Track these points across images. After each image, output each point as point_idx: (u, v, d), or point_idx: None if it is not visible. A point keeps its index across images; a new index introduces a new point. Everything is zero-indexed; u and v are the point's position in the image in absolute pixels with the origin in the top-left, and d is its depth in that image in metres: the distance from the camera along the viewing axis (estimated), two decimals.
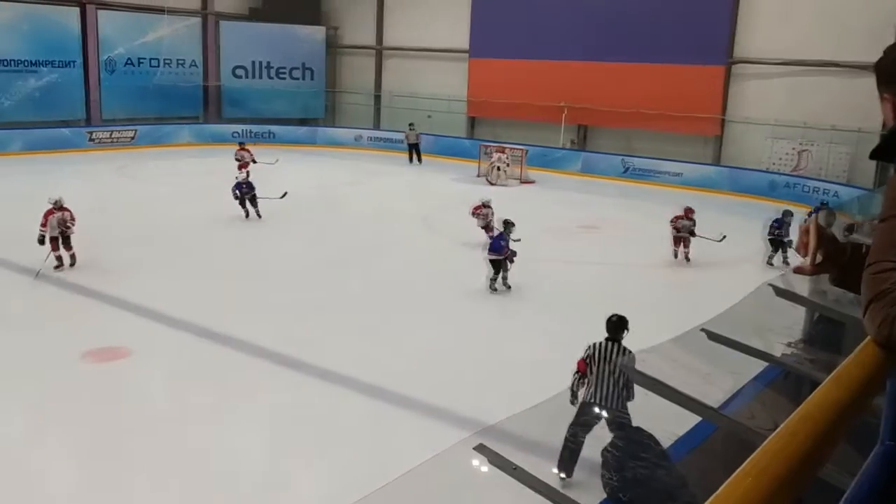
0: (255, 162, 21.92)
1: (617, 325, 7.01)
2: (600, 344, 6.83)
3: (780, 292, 5.04)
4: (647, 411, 5.04)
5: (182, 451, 7.36)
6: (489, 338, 10.64)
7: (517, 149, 25.41)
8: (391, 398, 8.44)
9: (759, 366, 5.26)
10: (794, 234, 14.35)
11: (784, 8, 23.37)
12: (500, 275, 12.59)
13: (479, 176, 24.70)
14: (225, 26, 32.02)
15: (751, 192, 23.07)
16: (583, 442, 5.91)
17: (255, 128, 31.04)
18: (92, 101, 29.04)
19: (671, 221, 14.68)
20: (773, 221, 14.93)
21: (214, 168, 24.69)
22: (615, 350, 6.79)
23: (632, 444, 5.94)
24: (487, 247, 12.85)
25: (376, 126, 32.36)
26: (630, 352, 6.54)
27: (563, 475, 5.80)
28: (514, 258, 12.53)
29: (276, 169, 25.05)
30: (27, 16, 27.08)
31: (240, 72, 32.25)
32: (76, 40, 28.40)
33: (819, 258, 1.56)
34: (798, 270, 1.60)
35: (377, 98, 32.96)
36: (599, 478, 5.00)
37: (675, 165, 24.90)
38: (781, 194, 22.43)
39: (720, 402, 5.04)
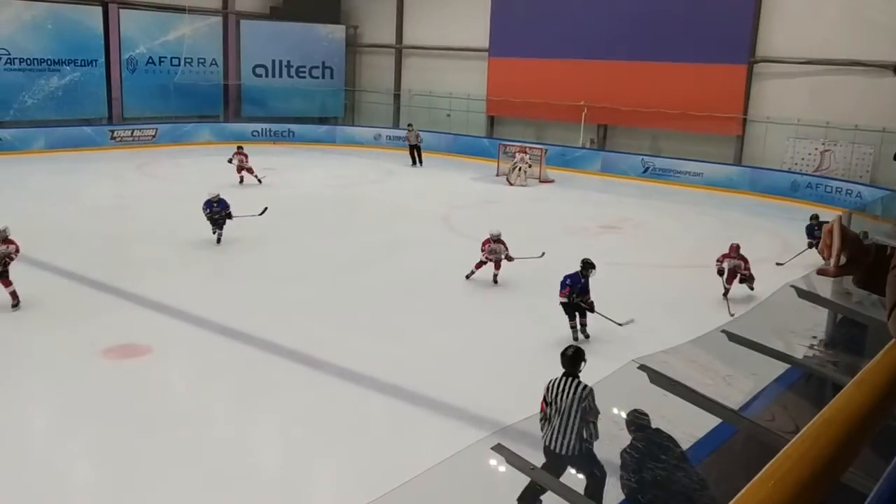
0: (250, 171, 21.64)
1: (573, 359, 6.38)
2: (557, 381, 6.22)
3: (803, 294, 5.00)
4: (667, 413, 5.01)
5: (201, 449, 7.40)
6: (509, 337, 10.62)
7: (537, 148, 25.35)
8: (409, 397, 8.45)
9: (780, 368, 5.22)
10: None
11: (807, 6, 23.15)
12: (578, 321, 10.68)
13: (498, 175, 24.67)
14: (245, 25, 32.17)
15: (772, 192, 22.88)
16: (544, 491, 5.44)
17: (274, 126, 31.19)
18: (114, 99, 29.29)
19: (718, 261, 12.68)
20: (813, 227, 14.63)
21: (233, 167, 24.83)
22: (572, 386, 6.16)
23: (651, 445, 5.92)
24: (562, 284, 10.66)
25: (395, 125, 32.41)
26: (587, 387, 6.05)
27: None
28: (591, 305, 10.59)
29: (295, 167, 25.21)
30: (51, 15, 27.35)
31: (260, 70, 32.39)
32: (98, 39, 28.63)
33: (843, 260, 1.54)
34: (821, 272, 1.58)
35: (396, 97, 33.01)
36: (618, 479, 4.97)
37: (696, 165, 24.74)
38: (803, 195, 22.23)
39: (740, 405, 5.01)
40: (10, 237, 11.10)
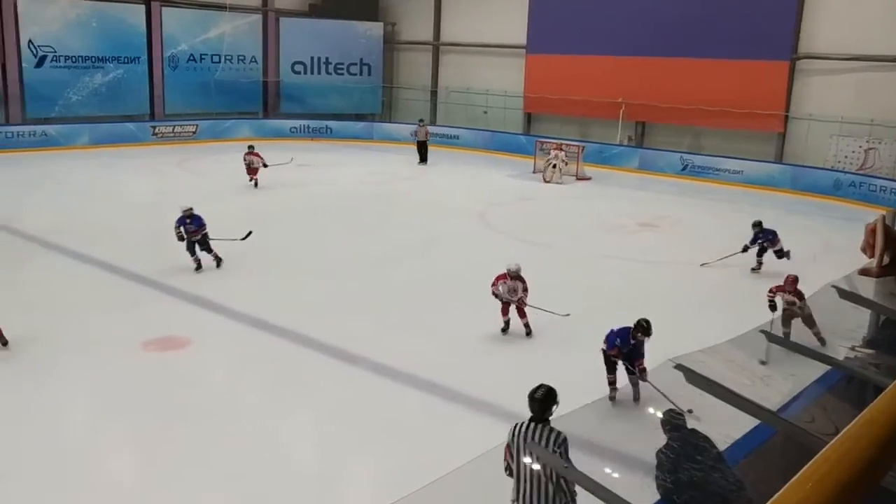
0: (265, 166, 20.47)
1: (543, 403, 5.29)
2: (522, 426, 5.20)
3: (844, 294, 4.90)
4: (703, 413, 4.97)
5: (236, 441, 7.49)
6: (544, 335, 10.58)
7: (573, 145, 25.21)
8: (444, 393, 8.47)
9: (820, 369, 5.13)
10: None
11: (851, 2, 22.69)
12: (634, 383, 8.59)
13: (534, 172, 24.58)
14: (285, 23, 32.44)
15: (814, 190, 22.48)
16: None
17: (312, 123, 31.43)
18: (156, 96, 29.75)
19: (770, 292, 10.32)
20: None
21: (273, 162, 25.06)
22: (540, 435, 5.11)
23: (687, 445, 5.86)
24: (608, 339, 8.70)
25: (432, 122, 32.46)
26: (560, 435, 5.08)
27: None
28: (643, 373, 8.35)
29: (332, 163, 25.34)
30: (96, 13, 27.86)
31: (298, 67, 32.64)
32: (141, 37, 29.11)
33: (886, 260, 1.52)
34: (864, 272, 1.56)
35: (433, 94, 33.03)
36: (653, 479, 4.93)
37: (736, 163, 24.40)
38: (846, 193, 21.83)
39: (779, 406, 4.94)
40: None
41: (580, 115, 28.18)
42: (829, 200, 21.54)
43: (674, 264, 14.47)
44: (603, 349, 8.63)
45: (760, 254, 13.94)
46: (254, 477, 6.87)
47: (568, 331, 10.66)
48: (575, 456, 5.99)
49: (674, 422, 6.00)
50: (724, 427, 4.75)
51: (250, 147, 20.99)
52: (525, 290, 10.29)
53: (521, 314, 10.35)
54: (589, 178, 24.28)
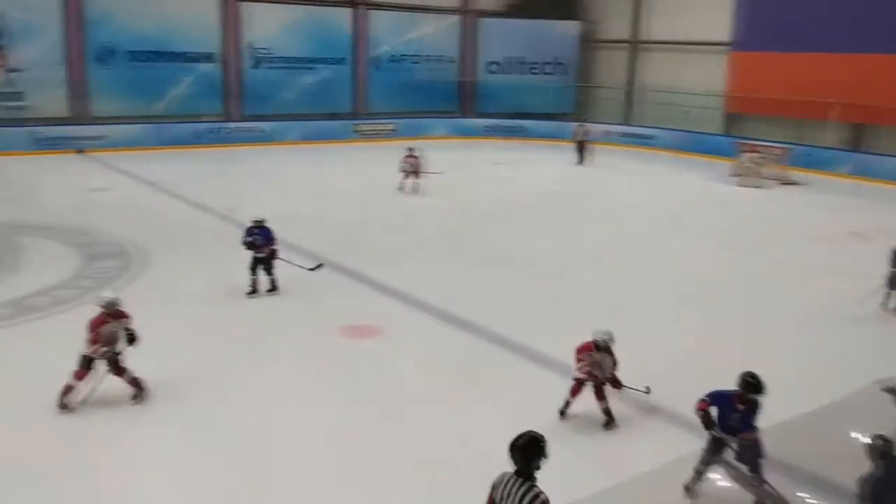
0: (416, 174, 19.67)
1: (524, 452, 4.44)
2: (507, 480, 4.50)
3: None
4: None
5: (420, 433, 7.71)
6: (745, 345, 10.08)
7: (777, 147, 23.79)
8: (631, 401, 8.28)
9: None
10: None
11: None
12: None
13: (734, 175, 23.44)
14: (483, 23, 33.03)
15: None
16: None
17: (506, 122, 31.80)
18: (359, 95, 31.35)
19: None
20: None
21: (468, 161, 25.64)
22: (519, 492, 4.36)
23: (894, 475, 5.40)
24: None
25: (627, 122, 31.80)
26: (539, 497, 4.33)
27: None
28: (755, 463, 6.40)
29: (525, 163, 25.47)
30: (307, 17, 29.76)
31: (494, 67, 33.12)
32: (348, 39, 30.79)
33: None
34: None
35: (629, 93, 32.35)
36: None
37: None
38: None
39: None
40: (121, 309, 8.08)
41: (788, 115, 26.52)
42: None
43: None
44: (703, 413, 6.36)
45: None
46: (434, 467, 7.06)
47: (768, 341, 10.09)
48: (770, 475, 5.67)
49: (881, 448, 5.53)
50: None
51: (410, 149, 20.19)
52: (615, 364, 8.00)
53: (600, 396, 7.93)
54: (796, 183, 22.81)
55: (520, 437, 4.52)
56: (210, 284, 12.09)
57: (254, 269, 11.48)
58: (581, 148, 25.93)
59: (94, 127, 25.75)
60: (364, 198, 18.56)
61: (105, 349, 7.88)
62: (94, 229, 15.07)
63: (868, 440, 5.68)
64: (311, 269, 12.14)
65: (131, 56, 26.60)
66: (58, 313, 10.60)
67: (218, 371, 8.97)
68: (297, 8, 29.51)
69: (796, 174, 23.29)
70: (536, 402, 8.21)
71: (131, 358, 8.11)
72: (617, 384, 8.00)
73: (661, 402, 8.20)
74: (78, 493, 6.51)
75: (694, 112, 29.07)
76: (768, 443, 6.43)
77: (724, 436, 6.33)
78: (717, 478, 6.64)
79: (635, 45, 32.04)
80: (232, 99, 28.75)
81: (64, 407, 7.79)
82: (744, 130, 28.01)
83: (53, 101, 25.52)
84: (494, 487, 4.53)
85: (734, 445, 6.31)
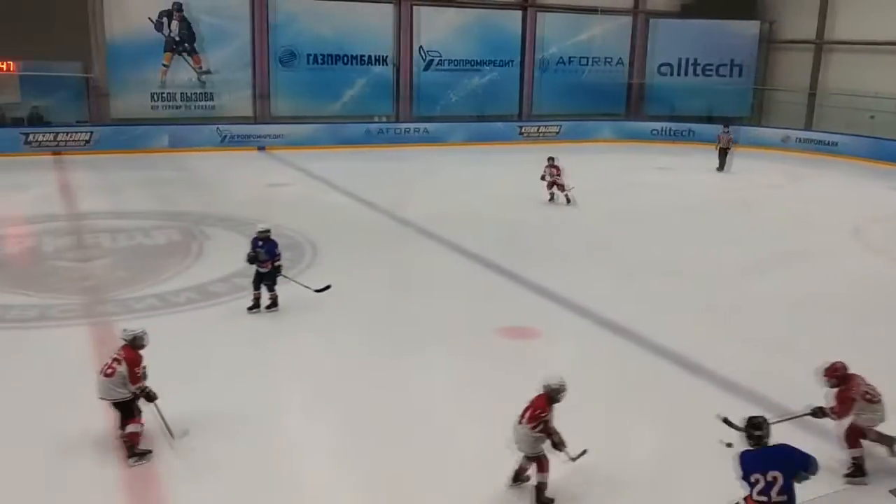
0: (561, 188, 18.47)
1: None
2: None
3: None
4: None
5: (573, 437, 7.66)
6: None
7: None
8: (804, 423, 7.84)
9: None
10: None
11: None
12: None
13: None
14: (655, 24, 32.24)
15: None
16: None
17: (674, 126, 30.86)
18: (525, 97, 31.49)
19: None
20: None
21: (630, 164, 25.13)
22: None
23: None
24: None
25: (808, 126, 30.03)
26: None
27: None
28: None
29: (694, 169, 24.62)
30: (478, 20, 30.24)
31: (665, 69, 32.24)
32: (517, 41, 30.97)
33: None
34: None
35: (811, 96, 30.52)
36: None
37: None
38: None
39: None
40: (144, 343, 7.11)
41: None
42: None
43: None
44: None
45: None
46: (586, 471, 6.99)
47: None
48: None
49: None
50: None
51: (550, 158, 19.05)
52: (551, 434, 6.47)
53: (541, 467, 6.48)
54: None
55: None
56: (374, 279, 12.57)
57: (257, 284, 10.71)
58: (723, 154, 24.56)
59: (275, 126, 27.38)
60: (524, 200, 18.58)
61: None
62: (271, 222, 15.91)
63: None
64: (319, 291, 10.90)
65: (311, 59, 28.10)
66: (234, 300, 11.34)
67: (381, 365, 9.27)
68: (468, 11, 30.05)
69: None
70: (692, 412, 7.96)
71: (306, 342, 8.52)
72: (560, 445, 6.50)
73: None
74: None
75: (884, 117, 27.00)
76: None
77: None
78: None
79: (820, 45, 30.16)
80: (402, 100, 29.69)
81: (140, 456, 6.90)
82: None
83: (239, 101, 27.40)
84: None
85: None
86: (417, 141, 28.44)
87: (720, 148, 24.76)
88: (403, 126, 29.11)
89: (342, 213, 17.49)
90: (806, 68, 30.67)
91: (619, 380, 8.99)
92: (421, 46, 29.59)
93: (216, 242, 14.58)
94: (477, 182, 21.80)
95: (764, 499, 5.16)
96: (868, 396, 6.77)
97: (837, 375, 6.89)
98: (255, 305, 10.76)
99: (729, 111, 31.62)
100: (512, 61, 31.02)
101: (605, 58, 32.14)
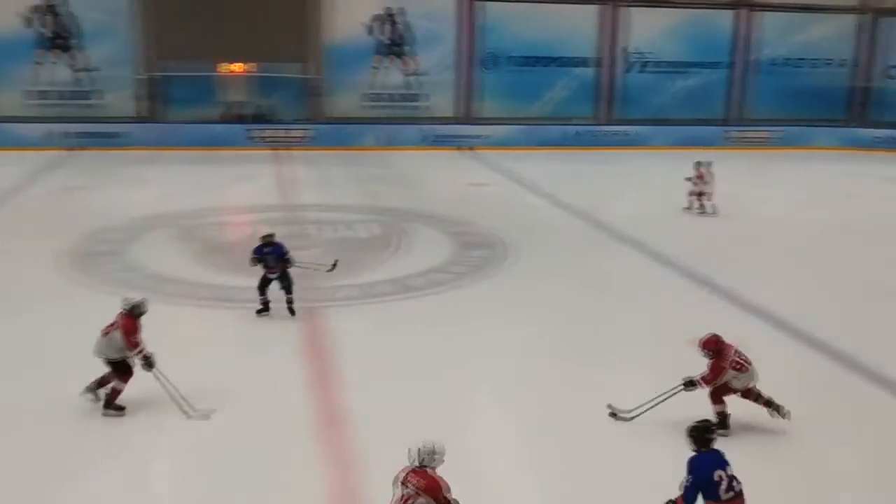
0: (701, 196, 17.15)
1: None
2: None
3: None
4: None
5: (784, 471, 7.22)
6: None
7: None
8: None
9: None
10: None
11: None
12: None
13: None
14: (886, 23, 29.71)
15: None
16: None
17: None
18: (733, 100, 30.08)
19: None
20: None
21: (850, 175, 23.36)
22: None
23: None
24: None
25: None
26: None
27: None
28: None
29: None
30: (687, 20, 29.29)
31: (895, 71, 29.68)
32: (726, 42, 29.71)
33: None
34: None
35: None
36: None
37: None
38: None
39: None
40: (142, 311, 7.58)
41: None
42: None
43: None
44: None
45: None
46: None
47: None
48: None
49: None
50: None
51: (698, 163, 17.71)
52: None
53: None
54: None
55: None
56: (568, 282, 12.45)
57: (263, 289, 10.31)
58: None
59: (477, 127, 28.00)
60: (727, 207, 17.70)
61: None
62: (469, 221, 16.36)
63: None
64: (330, 270, 10.88)
65: (513, 61, 28.44)
66: (430, 295, 11.69)
67: (567, 368, 9.19)
68: (676, 12, 29.17)
69: None
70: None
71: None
72: None
73: None
74: None
75: None
76: None
77: None
78: None
79: None
80: (603, 102, 29.34)
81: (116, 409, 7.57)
82: None
83: (443, 102, 28.30)
84: None
85: None
86: (616, 144, 27.96)
87: None
88: (603, 129, 28.76)
89: (538, 215, 17.54)
90: None
91: (835, 411, 8.27)
92: (625, 48, 29.09)
93: (416, 238, 15.09)
94: (674, 187, 21.04)
95: (731, 494, 5.22)
96: (737, 366, 7.42)
97: (712, 348, 7.48)
98: (265, 309, 10.42)
99: None
100: (721, 63, 29.75)
101: (825, 59, 30.04)
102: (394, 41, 27.63)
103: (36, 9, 25.40)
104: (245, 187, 20.30)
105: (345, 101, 27.66)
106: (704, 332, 7.54)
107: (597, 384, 8.74)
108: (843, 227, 16.75)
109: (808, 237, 16.03)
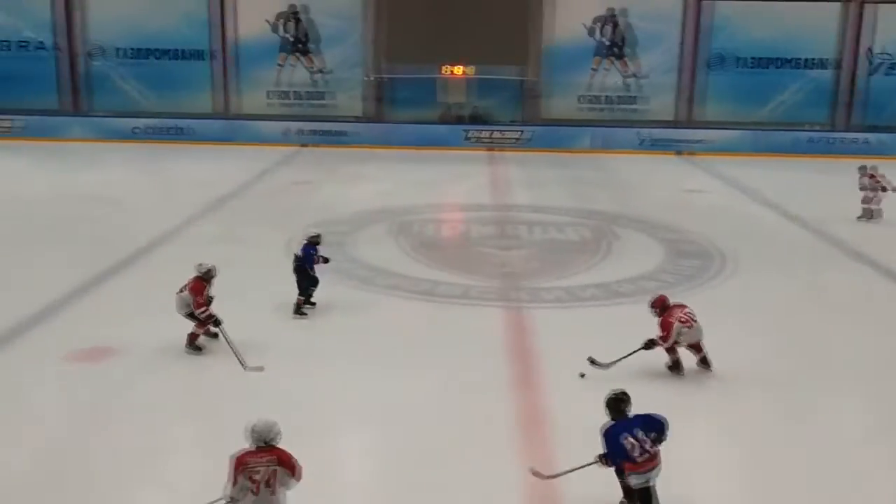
0: (884, 190, 16.16)
1: None
2: None
3: None
4: None
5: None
6: None
7: None
8: None
9: None
10: None
11: None
12: None
13: None
14: None
15: None
16: None
17: None
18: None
19: None
20: None
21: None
22: None
23: None
24: None
25: None
26: None
27: None
28: None
29: None
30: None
31: None
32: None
33: None
34: None
35: None
36: None
37: None
38: None
39: None
40: (212, 275, 8.88)
41: None
42: None
43: None
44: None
45: None
46: None
47: None
48: None
49: None
50: None
51: (862, 168, 16.72)
52: None
53: None
54: None
55: None
56: (789, 301, 11.55)
57: (301, 296, 10.25)
58: None
59: (696, 131, 26.88)
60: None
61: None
62: (683, 228, 15.73)
63: None
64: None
65: (742, 62, 27.04)
66: (638, 302, 11.25)
67: (776, 388, 8.60)
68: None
69: None
70: None
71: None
72: None
73: None
74: None
75: None
76: None
77: None
78: None
79: None
80: (841, 107, 27.18)
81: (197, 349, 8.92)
82: None
83: (663, 105, 27.46)
84: None
85: None
86: (855, 153, 25.62)
87: None
88: (840, 136, 26.63)
89: (761, 225, 16.50)
90: None
91: None
92: (870, 48, 26.69)
93: (626, 243, 14.74)
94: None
95: (646, 455, 5.61)
96: (684, 320, 8.24)
97: (659, 305, 8.51)
98: (309, 303, 10.34)
99: None
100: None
101: None
102: (614, 42, 27.19)
103: (281, 15, 27.56)
104: (460, 186, 20.81)
105: (561, 103, 27.61)
106: None
107: (806, 408, 8.12)
108: None
109: None
